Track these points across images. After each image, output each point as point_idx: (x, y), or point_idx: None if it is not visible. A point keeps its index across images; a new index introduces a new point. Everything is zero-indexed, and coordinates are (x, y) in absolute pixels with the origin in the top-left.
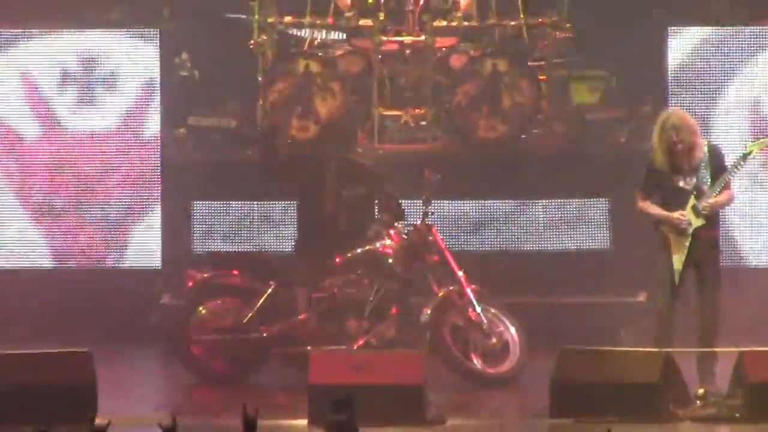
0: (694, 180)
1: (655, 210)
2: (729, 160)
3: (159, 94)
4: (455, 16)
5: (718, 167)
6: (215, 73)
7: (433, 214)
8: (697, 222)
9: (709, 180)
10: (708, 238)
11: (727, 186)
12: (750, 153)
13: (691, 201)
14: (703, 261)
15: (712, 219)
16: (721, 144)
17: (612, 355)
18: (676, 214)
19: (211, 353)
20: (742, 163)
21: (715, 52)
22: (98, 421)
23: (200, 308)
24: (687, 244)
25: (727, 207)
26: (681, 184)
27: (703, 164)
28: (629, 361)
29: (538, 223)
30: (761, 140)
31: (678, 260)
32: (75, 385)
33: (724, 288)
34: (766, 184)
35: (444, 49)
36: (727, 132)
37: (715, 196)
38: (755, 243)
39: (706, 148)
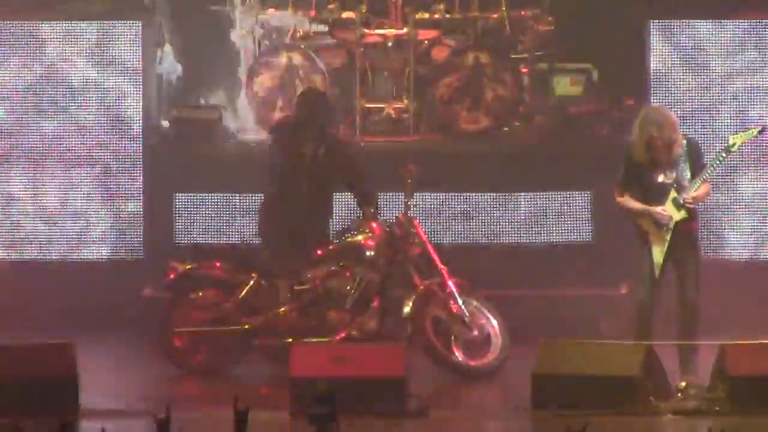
0: (674, 174)
1: (634, 204)
2: (711, 153)
3: (141, 86)
4: (437, 8)
5: (697, 161)
6: (198, 66)
7: (415, 206)
8: (677, 215)
9: (689, 173)
10: (688, 231)
11: (706, 179)
12: (733, 146)
13: (672, 194)
14: (684, 254)
15: (692, 212)
16: (704, 137)
17: (593, 347)
18: (657, 209)
19: (193, 345)
20: (725, 155)
21: (697, 46)
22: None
23: (182, 300)
24: (667, 237)
25: (705, 200)
26: (661, 178)
27: (682, 158)
28: (610, 354)
29: (520, 215)
30: (743, 133)
31: (659, 253)
32: (57, 376)
33: (705, 281)
34: (746, 176)
35: (426, 41)
36: (709, 125)
37: (695, 190)
38: (736, 236)
39: (684, 143)
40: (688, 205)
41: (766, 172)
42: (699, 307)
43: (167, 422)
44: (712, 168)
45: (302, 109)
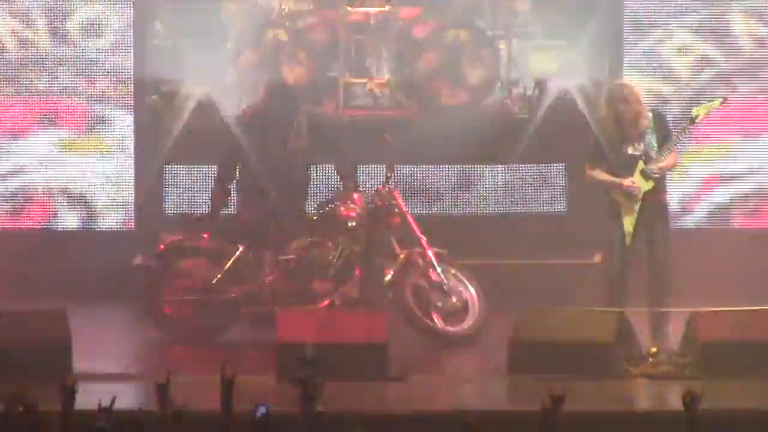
0: (642, 146)
1: (604, 177)
2: (676, 126)
3: (132, 61)
4: None
5: (663, 132)
6: (187, 42)
7: (395, 178)
8: (646, 186)
9: (656, 145)
10: (656, 201)
11: (672, 150)
12: (697, 117)
13: (640, 166)
14: (653, 223)
15: (660, 183)
16: (672, 111)
17: (568, 314)
18: (626, 181)
19: (183, 312)
20: (689, 127)
21: (672, 22)
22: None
23: (172, 269)
24: (637, 207)
25: (672, 169)
26: (630, 150)
27: (649, 130)
28: (584, 321)
29: (498, 187)
30: (707, 105)
31: (629, 223)
32: (50, 342)
33: (675, 249)
34: (714, 148)
35: (408, 19)
36: (677, 100)
37: (663, 160)
38: (705, 205)
39: (650, 115)
40: (654, 175)
41: (729, 143)
42: (669, 268)
43: (167, 387)
44: (677, 139)
45: (270, 105)
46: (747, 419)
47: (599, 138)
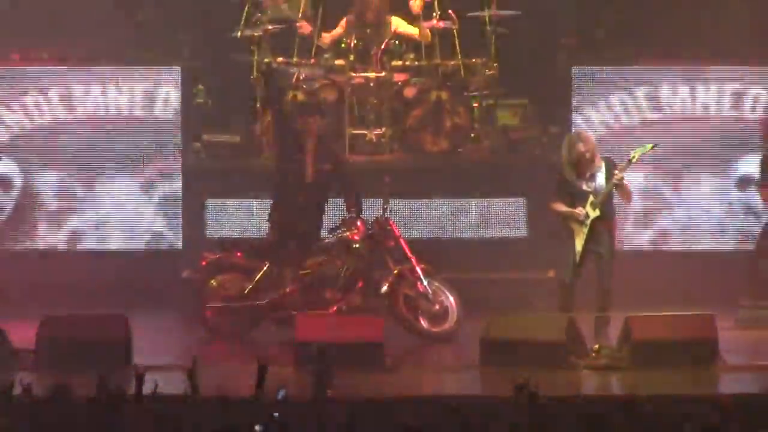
0: (593, 183)
1: (562, 208)
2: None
3: (180, 116)
4: (408, 57)
5: (610, 172)
6: (224, 101)
7: (390, 209)
8: (594, 214)
9: (604, 183)
10: (603, 226)
11: (626, 189)
12: (633, 158)
13: (590, 199)
14: (600, 245)
15: (607, 212)
16: (613, 154)
17: (528, 319)
18: (579, 211)
19: (221, 316)
20: (627, 166)
21: (607, 86)
22: (139, 370)
23: (212, 282)
24: (585, 231)
25: (629, 202)
26: (584, 187)
27: (599, 172)
28: (541, 324)
29: (471, 216)
30: (641, 148)
31: (579, 243)
32: (114, 341)
33: (619, 265)
34: (654, 183)
35: (399, 82)
36: (619, 145)
37: (606, 194)
38: (646, 230)
39: (603, 161)
40: (597, 203)
41: (661, 178)
42: (611, 293)
43: (194, 370)
44: (618, 176)
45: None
46: (671, 403)
47: (561, 177)
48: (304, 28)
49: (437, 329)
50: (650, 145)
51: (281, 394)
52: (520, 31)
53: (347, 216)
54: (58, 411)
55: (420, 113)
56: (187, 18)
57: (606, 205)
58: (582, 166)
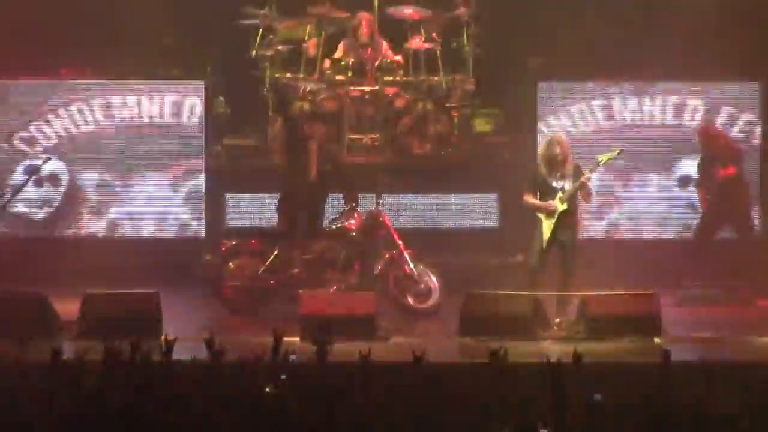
0: (563, 183)
1: (534, 201)
2: (587, 167)
3: (204, 123)
4: (398, 73)
5: (577, 175)
6: (241, 110)
7: (382, 203)
8: (561, 207)
9: (572, 183)
10: (568, 219)
11: (588, 189)
12: (600, 162)
13: (559, 194)
14: (565, 234)
15: (572, 206)
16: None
17: (500, 296)
18: (548, 203)
19: (238, 294)
20: (594, 169)
21: (570, 98)
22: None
23: (230, 264)
24: (553, 221)
25: (588, 202)
26: (554, 184)
27: (569, 174)
28: (511, 301)
29: (451, 209)
30: (608, 153)
31: (547, 232)
32: (147, 315)
33: (581, 252)
34: (607, 181)
35: (390, 95)
36: (579, 148)
37: (573, 192)
38: (604, 221)
39: (573, 164)
40: (565, 198)
41: (613, 176)
42: (573, 277)
43: (212, 341)
44: (586, 176)
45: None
46: (619, 370)
47: (536, 174)
48: (310, 48)
49: (422, 305)
50: (617, 151)
51: (293, 358)
52: (493, 51)
53: (346, 209)
54: (101, 373)
55: (408, 121)
56: (209, 40)
57: (572, 201)
58: (554, 165)
